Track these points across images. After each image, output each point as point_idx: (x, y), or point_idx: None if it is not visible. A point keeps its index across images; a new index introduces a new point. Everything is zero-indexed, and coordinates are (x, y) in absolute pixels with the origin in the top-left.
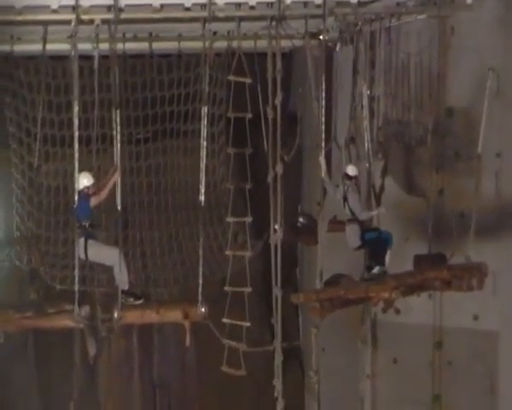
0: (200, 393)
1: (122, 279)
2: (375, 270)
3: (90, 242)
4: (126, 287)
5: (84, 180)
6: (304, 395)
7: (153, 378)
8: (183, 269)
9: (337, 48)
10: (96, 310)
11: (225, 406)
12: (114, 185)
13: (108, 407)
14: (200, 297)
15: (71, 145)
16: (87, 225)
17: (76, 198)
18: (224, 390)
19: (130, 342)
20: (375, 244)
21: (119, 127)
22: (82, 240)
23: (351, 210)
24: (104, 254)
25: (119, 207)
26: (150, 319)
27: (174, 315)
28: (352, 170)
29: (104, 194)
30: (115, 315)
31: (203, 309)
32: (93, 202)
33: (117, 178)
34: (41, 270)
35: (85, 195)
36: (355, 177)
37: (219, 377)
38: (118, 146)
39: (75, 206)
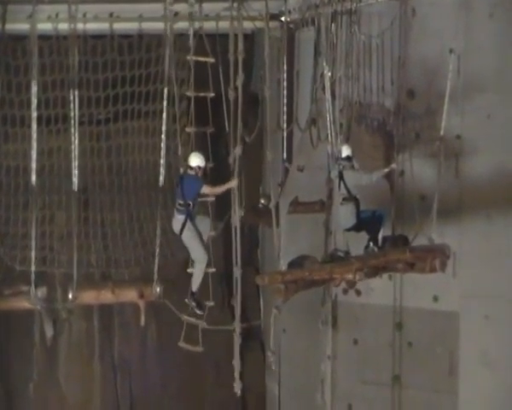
0: (160, 374)
1: (196, 282)
2: (370, 247)
3: (188, 225)
4: (195, 289)
5: (198, 159)
6: (264, 376)
7: (113, 360)
8: (145, 250)
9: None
10: (56, 291)
11: (186, 386)
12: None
13: (69, 389)
14: (155, 276)
15: (31, 126)
16: (191, 204)
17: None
18: (185, 371)
19: (91, 324)
20: (370, 223)
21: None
22: (182, 217)
23: (347, 189)
24: (193, 246)
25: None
26: (106, 299)
27: (129, 295)
28: (347, 151)
29: (218, 191)
30: (70, 296)
31: (158, 289)
32: (205, 189)
33: (233, 186)
34: (1, 251)
35: (195, 174)
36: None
37: (180, 358)
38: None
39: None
